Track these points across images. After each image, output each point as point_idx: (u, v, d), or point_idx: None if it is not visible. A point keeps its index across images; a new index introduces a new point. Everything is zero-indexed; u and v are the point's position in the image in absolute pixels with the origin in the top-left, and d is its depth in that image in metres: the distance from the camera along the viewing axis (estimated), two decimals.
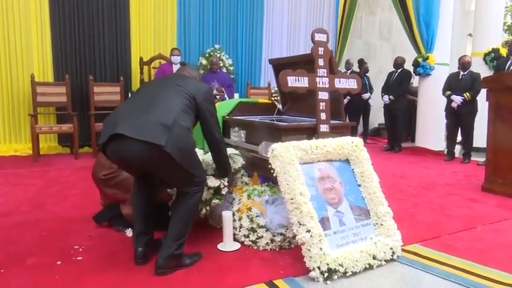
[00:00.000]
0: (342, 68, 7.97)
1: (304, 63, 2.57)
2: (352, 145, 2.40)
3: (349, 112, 7.59)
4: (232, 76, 6.81)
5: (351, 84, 2.55)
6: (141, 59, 6.18)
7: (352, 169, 2.41)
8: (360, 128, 7.70)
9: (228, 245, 2.32)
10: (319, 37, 2.42)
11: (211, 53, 6.65)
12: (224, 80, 6.16)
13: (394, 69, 6.48)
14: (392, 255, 2.19)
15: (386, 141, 6.93)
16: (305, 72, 2.39)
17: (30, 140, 5.32)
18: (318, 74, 2.42)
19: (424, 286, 1.95)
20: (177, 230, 1.99)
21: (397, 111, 6.34)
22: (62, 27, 5.76)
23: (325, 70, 2.44)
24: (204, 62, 6.61)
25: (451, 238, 2.57)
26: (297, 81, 2.35)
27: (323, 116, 2.43)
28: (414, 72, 6.31)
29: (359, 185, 2.38)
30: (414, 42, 6.21)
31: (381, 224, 2.27)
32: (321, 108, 2.43)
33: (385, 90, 6.48)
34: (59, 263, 2.09)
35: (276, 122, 2.66)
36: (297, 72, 2.35)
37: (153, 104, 1.96)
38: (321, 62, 2.43)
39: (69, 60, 5.85)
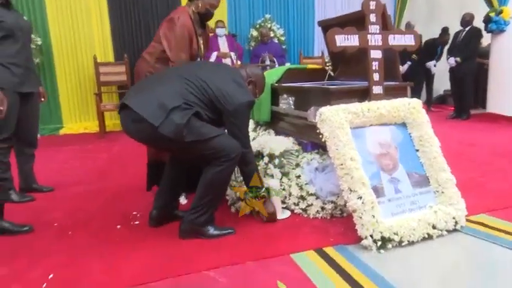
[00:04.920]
0: None
1: (355, 22, 2.37)
2: (409, 107, 2.22)
3: (414, 79, 7.10)
4: (284, 46, 6.65)
5: (407, 40, 2.33)
6: None
7: (410, 133, 2.24)
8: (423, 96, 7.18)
9: (278, 212, 2.29)
10: None
11: (262, 24, 6.52)
12: (275, 50, 6.04)
13: (461, 28, 5.86)
14: (455, 225, 2.03)
15: (452, 109, 6.38)
16: (355, 29, 2.21)
17: (97, 118, 5.70)
18: (370, 31, 2.24)
19: (491, 257, 1.78)
20: (199, 200, 1.98)
21: (464, 74, 5.76)
22: (119, 12, 6.02)
23: (377, 26, 2.25)
24: (254, 33, 6.51)
25: None
26: (346, 40, 2.19)
27: (376, 76, 2.26)
28: (485, 30, 5.66)
29: (417, 150, 2.20)
30: None
31: (442, 192, 2.10)
32: (374, 68, 2.25)
33: (451, 51, 5.91)
34: (118, 227, 2.23)
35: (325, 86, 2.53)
36: (345, 31, 2.19)
37: (171, 81, 1.96)
38: (372, 17, 2.24)
39: (127, 41, 6.11)
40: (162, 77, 2.06)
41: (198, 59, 2.52)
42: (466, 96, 5.92)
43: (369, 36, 2.24)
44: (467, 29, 5.77)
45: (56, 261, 1.83)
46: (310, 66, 3.20)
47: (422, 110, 2.25)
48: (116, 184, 3.11)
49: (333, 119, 2.03)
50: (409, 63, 6.93)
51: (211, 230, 2.03)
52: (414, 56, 6.87)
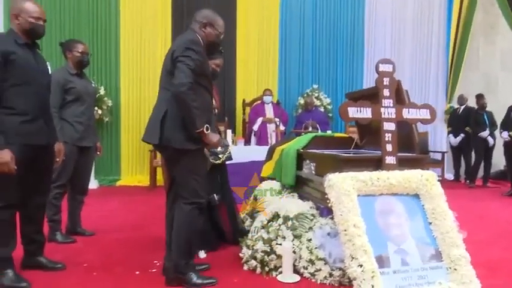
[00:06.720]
0: (454, 103, 7.31)
1: (377, 96, 2.53)
2: (422, 179, 2.23)
3: (467, 152, 6.83)
4: (330, 115, 6.87)
5: (422, 114, 2.41)
6: (243, 100, 6.74)
7: (423, 205, 2.23)
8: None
9: (287, 276, 2.32)
10: (384, 67, 2.39)
11: (309, 93, 6.86)
12: (319, 118, 6.26)
13: None
14: None
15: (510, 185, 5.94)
16: (368, 103, 2.36)
17: (149, 173, 6.19)
18: (383, 105, 2.37)
19: None
20: (176, 246, 2.15)
21: None
22: None
23: (390, 100, 2.38)
24: (302, 101, 6.85)
25: None
26: (358, 112, 2.33)
27: (389, 147, 2.34)
28: None
29: (430, 223, 2.17)
30: None
31: (455, 269, 2.01)
32: (387, 139, 2.34)
33: (504, 126, 5.68)
34: (137, 272, 2.41)
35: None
36: (358, 103, 2.35)
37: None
38: (386, 92, 2.38)
39: None
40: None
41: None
42: None
43: (382, 109, 2.37)
44: None
45: None
46: (337, 134, 3.33)
47: (437, 182, 2.25)
48: (148, 234, 3.34)
49: (340, 185, 2.11)
50: (462, 135, 6.74)
51: (195, 278, 2.16)
52: (468, 128, 6.68)
